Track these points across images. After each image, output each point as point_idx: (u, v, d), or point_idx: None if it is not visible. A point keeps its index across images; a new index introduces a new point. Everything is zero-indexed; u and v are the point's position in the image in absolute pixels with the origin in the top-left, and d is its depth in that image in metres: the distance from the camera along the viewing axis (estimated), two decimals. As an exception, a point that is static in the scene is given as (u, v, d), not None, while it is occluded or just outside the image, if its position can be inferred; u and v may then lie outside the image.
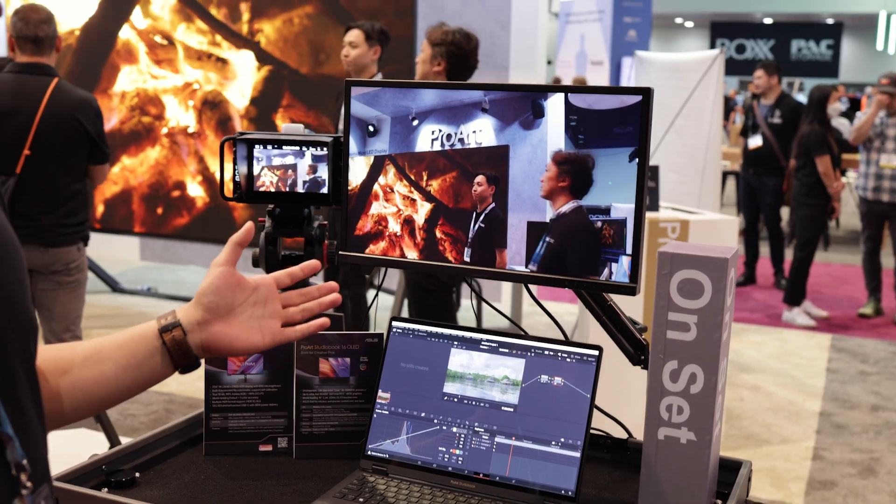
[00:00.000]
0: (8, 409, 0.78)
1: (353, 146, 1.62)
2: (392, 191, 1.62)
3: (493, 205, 1.52)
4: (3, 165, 3.38)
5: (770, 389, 5.20)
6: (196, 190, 6.22)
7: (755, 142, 7.30)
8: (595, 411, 1.43)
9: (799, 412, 4.84)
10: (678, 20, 29.37)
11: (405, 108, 1.59)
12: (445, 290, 3.84)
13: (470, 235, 1.54)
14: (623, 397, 3.16)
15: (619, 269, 1.44)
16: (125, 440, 2.34)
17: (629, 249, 1.43)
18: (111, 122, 6.38)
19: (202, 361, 1.14)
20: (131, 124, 6.37)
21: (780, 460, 4.19)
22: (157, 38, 6.25)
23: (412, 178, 1.60)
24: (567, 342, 1.44)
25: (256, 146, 1.88)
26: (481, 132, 1.53)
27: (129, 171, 6.39)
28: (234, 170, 1.85)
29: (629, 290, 1.43)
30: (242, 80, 6.04)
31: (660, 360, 1.35)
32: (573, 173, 1.43)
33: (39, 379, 1.05)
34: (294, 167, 1.91)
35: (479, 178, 1.53)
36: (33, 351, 0.87)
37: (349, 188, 1.64)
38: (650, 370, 1.36)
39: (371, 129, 1.61)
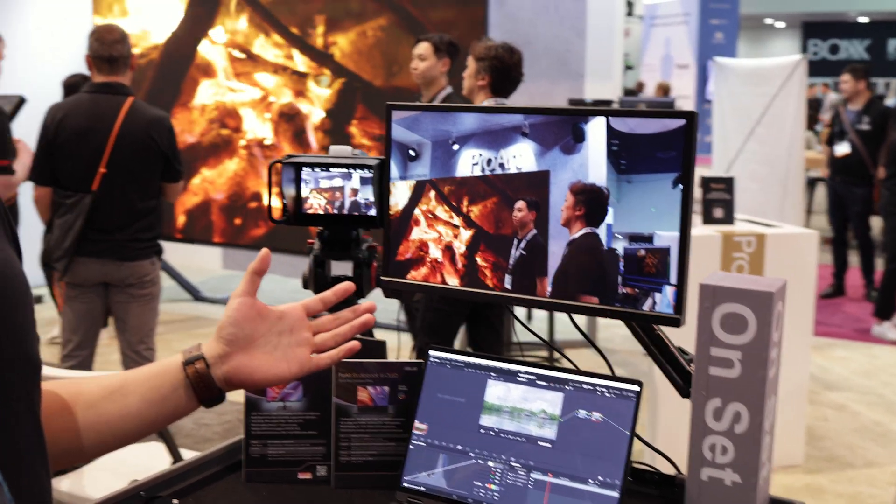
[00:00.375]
0: None
1: (394, 171, 1.60)
2: (433, 216, 1.59)
3: (534, 231, 1.48)
4: (80, 183, 3.47)
5: (856, 409, 5.00)
6: (273, 201, 6.30)
7: (842, 149, 7.04)
8: (643, 445, 1.39)
9: (886, 433, 4.64)
10: (768, 21, 28.66)
11: (445, 132, 1.56)
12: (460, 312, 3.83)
13: (510, 262, 1.51)
14: (676, 429, 3.07)
15: (663, 300, 1.39)
16: (192, 454, 2.36)
17: (673, 279, 1.38)
18: (191, 135, 6.52)
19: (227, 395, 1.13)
20: (210, 137, 6.49)
21: (864, 485, 4.01)
22: (236, 52, 6.36)
23: (453, 203, 1.57)
24: (607, 376, 1.39)
25: (304, 169, 1.88)
26: (521, 157, 1.50)
27: (209, 182, 6.52)
28: (282, 192, 1.85)
29: (673, 321, 1.37)
30: (317, 92, 6.11)
31: (702, 397, 1.29)
32: (588, 203, 1.40)
33: (63, 412, 1.06)
34: (341, 189, 1.90)
35: (520, 204, 1.49)
36: (35, 389, 0.87)
37: (391, 213, 1.62)
38: (693, 407, 1.30)
39: (412, 153, 1.59)
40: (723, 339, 1.27)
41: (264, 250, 1.13)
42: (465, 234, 1.57)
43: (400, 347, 3.26)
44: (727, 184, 3.97)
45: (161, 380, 1.08)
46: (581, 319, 1.66)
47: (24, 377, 0.84)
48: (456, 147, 1.55)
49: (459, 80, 3.78)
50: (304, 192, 1.86)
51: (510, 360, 1.45)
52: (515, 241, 1.50)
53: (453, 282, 1.57)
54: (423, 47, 4.26)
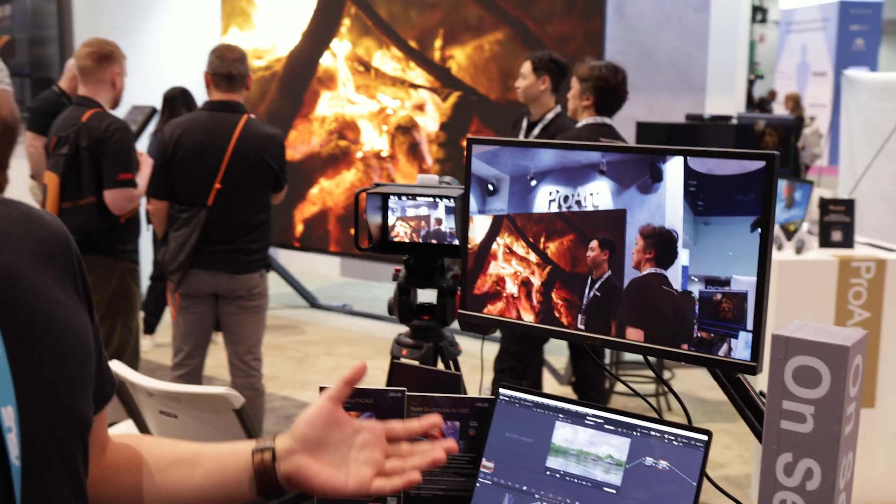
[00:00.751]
0: None
1: (473, 204, 1.61)
2: (510, 251, 1.59)
3: (609, 272, 1.46)
4: (196, 198, 3.61)
5: None
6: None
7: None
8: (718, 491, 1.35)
9: None
10: (913, 27, 27.27)
11: (524, 167, 1.55)
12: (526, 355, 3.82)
13: (585, 301, 1.49)
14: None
15: (739, 345, 1.35)
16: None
17: (750, 325, 1.33)
18: (310, 145, 6.69)
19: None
20: (329, 148, 6.65)
21: None
22: (356, 65, 6.50)
23: (530, 239, 1.56)
24: (676, 424, 1.36)
25: (391, 197, 1.91)
26: (598, 195, 1.48)
27: (327, 192, 6.67)
28: (367, 220, 1.88)
29: (749, 368, 1.33)
30: (433, 105, 6.17)
31: (773, 451, 1.24)
32: (657, 246, 1.37)
33: (133, 469, 1.07)
34: (427, 218, 1.92)
35: (593, 243, 1.47)
36: (82, 449, 0.89)
37: (469, 246, 1.62)
38: (763, 461, 1.26)
39: (491, 187, 1.59)
40: (795, 393, 1.22)
41: (361, 363, 1.13)
42: (542, 271, 1.56)
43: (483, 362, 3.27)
44: (847, 206, 3.80)
45: (230, 460, 1.08)
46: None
47: (74, 435, 0.87)
48: (534, 183, 1.55)
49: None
50: (391, 220, 1.89)
51: (579, 402, 1.43)
52: (590, 281, 1.49)
53: (529, 318, 1.57)
54: (523, 66, 4.27)
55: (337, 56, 6.59)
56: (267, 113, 6.85)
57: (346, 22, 6.52)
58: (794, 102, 11.55)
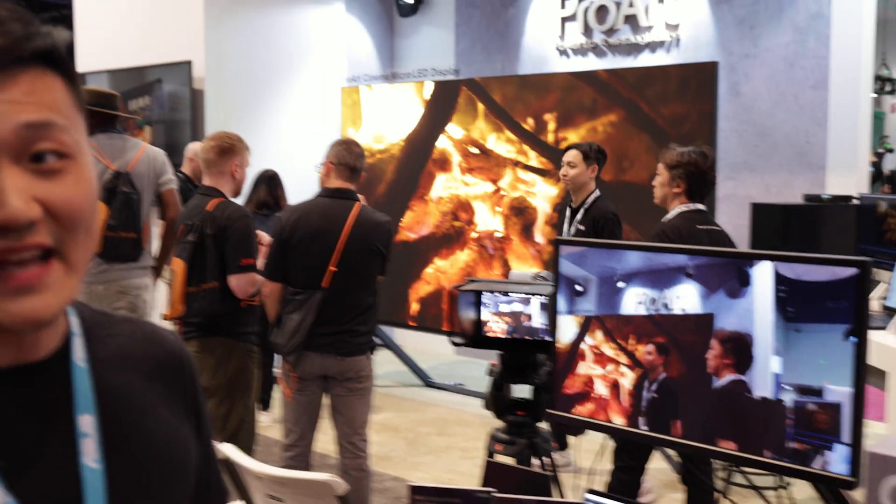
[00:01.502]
0: None
1: (561, 304, 1.61)
2: (599, 352, 1.58)
3: (695, 377, 1.44)
4: (311, 281, 3.73)
5: None
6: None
7: None
8: None
9: None
10: None
11: (611, 269, 1.56)
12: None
13: (675, 406, 1.47)
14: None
15: (836, 458, 1.30)
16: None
17: (847, 438, 1.29)
18: (426, 226, 6.82)
19: None
20: (444, 228, 6.75)
21: None
22: (470, 148, 6.62)
23: (619, 341, 1.56)
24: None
25: (485, 293, 1.93)
26: (686, 298, 1.46)
27: (441, 272, 6.76)
28: (460, 315, 1.91)
29: (847, 484, 1.28)
30: (546, 187, 6.21)
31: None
32: (735, 352, 1.34)
33: None
34: (521, 314, 1.93)
35: (681, 348, 1.46)
36: None
37: (558, 346, 1.63)
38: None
39: (579, 288, 1.60)
40: (892, 514, 1.16)
41: None
42: (632, 373, 1.54)
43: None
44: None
45: None
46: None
47: None
48: (621, 284, 1.55)
49: (605, 184, 3.90)
50: (484, 315, 1.91)
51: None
52: (678, 385, 1.47)
53: (619, 421, 1.55)
54: (573, 155, 4.62)
55: (452, 139, 6.73)
56: (384, 194, 7.03)
57: (461, 106, 6.67)
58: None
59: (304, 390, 3.78)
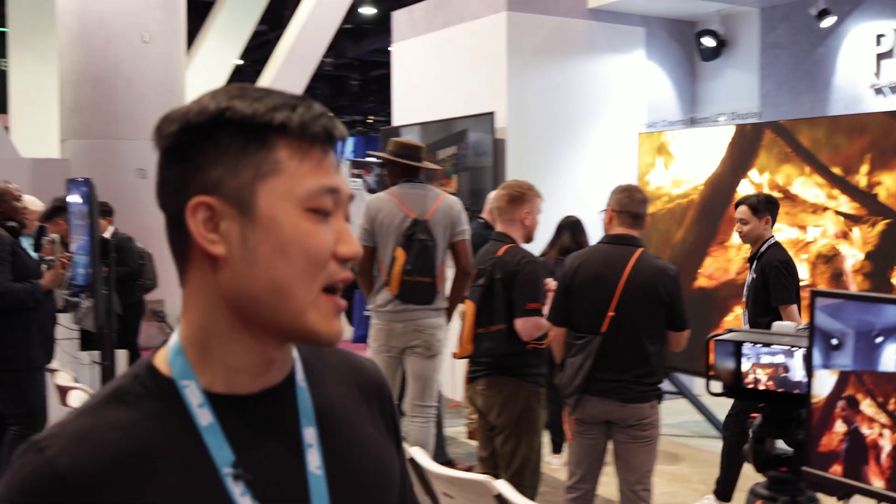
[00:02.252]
0: None
1: (817, 358, 1.56)
2: (857, 410, 1.50)
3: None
4: (591, 325, 3.78)
5: None
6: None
7: None
8: None
9: None
10: None
11: (868, 322, 1.48)
12: None
13: (937, 472, 1.36)
14: None
15: None
16: None
17: None
18: (726, 273, 6.60)
19: None
20: (745, 276, 6.50)
21: None
22: (775, 192, 6.34)
23: (878, 399, 1.47)
24: None
25: (745, 343, 1.89)
26: (951, 357, 1.36)
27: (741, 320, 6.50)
28: (717, 365, 1.88)
29: None
30: (858, 233, 5.81)
31: None
32: None
33: None
34: (784, 366, 1.86)
35: (945, 410, 1.35)
36: None
37: (814, 401, 1.56)
38: None
39: (835, 342, 1.53)
40: None
41: None
42: (892, 434, 1.45)
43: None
44: None
45: None
46: None
47: None
48: (879, 339, 1.46)
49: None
50: (745, 366, 1.86)
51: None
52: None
53: (878, 483, 1.46)
54: (742, 211, 4.69)
55: (755, 183, 6.49)
56: (682, 240, 6.91)
57: (764, 149, 6.43)
58: None
59: (585, 433, 3.82)
